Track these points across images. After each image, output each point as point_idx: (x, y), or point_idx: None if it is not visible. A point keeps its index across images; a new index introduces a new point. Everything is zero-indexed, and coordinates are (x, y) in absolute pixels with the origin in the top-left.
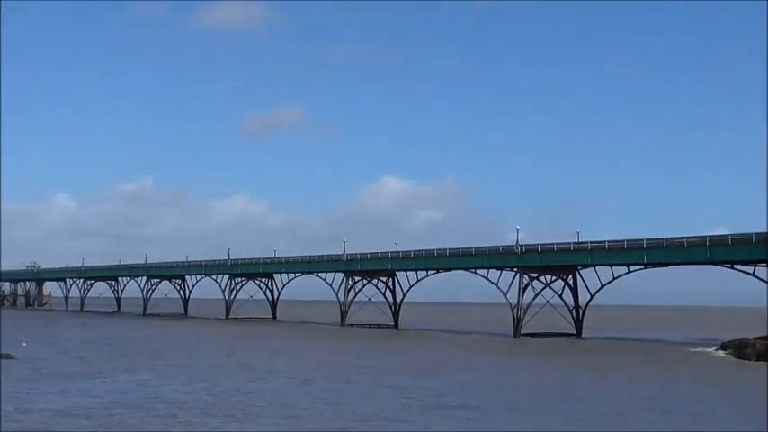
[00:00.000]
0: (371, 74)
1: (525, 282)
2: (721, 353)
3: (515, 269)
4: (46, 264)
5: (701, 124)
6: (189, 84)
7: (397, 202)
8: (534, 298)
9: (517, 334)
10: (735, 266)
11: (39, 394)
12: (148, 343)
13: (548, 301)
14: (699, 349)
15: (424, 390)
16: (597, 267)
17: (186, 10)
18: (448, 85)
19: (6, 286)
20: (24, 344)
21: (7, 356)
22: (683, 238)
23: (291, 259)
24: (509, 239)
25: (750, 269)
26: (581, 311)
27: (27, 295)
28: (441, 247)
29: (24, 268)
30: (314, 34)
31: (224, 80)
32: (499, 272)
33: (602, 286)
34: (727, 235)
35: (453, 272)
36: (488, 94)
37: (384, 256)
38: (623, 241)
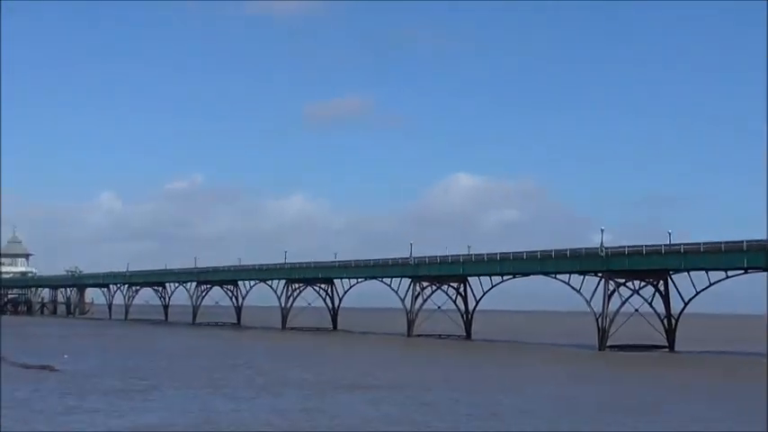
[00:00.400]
0: (442, 61)
1: (611, 288)
2: None
3: (600, 274)
4: (88, 268)
5: None
6: (243, 74)
7: (470, 200)
8: (621, 306)
9: (602, 346)
10: None
11: (81, 413)
12: (221, 355)
13: (636, 310)
14: None
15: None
16: (691, 272)
17: None
18: (525, 74)
19: (46, 293)
20: (65, 356)
21: (48, 368)
22: None
23: (353, 263)
24: (593, 242)
25: None
26: (673, 321)
27: (68, 303)
28: (517, 250)
29: (65, 273)
30: (380, 19)
31: (282, 70)
32: (582, 277)
33: (698, 293)
34: None
35: (531, 277)
36: (569, 85)
37: (455, 260)
38: (720, 243)
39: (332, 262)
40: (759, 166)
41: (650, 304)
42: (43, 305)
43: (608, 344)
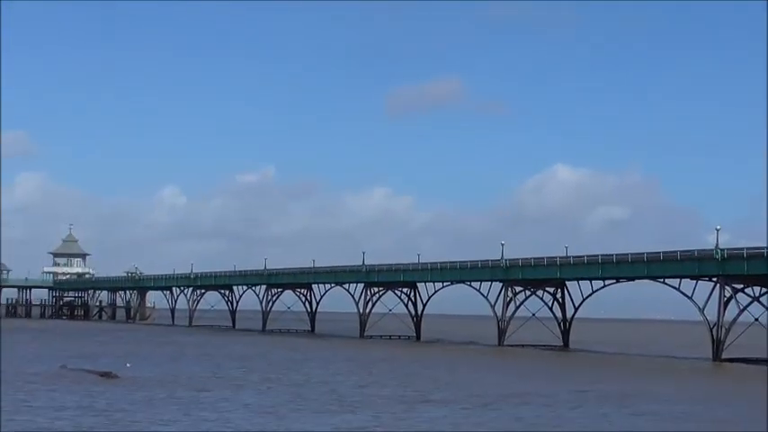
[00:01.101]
0: (540, 43)
1: (727, 294)
2: None
3: (714, 279)
4: (149, 270)
5: None
6: (319, 60)
7: (570, 196)
8: (738, 315)
9: (717, 357)
10: None
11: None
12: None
13: (756, 319)
14: None
15: None
16: None
17: None
18: (632, 56)
19: (104, 296)
20: (128, 365)
21: (110, 375)
22: None
23: (439, 265)
24: (708, 243)
25: None
26: None
27: (127, 307)
28: (623, 251)
29: (124, 275)
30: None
31: (362, 54)
32: (694, 282)
33: None
34: None
35: (636, 282)
36: (679, 68)
37: (551, 263)
38: None
39: (415, 264)
40: None
41: None
42: (101, 309)
43: (723, 356)
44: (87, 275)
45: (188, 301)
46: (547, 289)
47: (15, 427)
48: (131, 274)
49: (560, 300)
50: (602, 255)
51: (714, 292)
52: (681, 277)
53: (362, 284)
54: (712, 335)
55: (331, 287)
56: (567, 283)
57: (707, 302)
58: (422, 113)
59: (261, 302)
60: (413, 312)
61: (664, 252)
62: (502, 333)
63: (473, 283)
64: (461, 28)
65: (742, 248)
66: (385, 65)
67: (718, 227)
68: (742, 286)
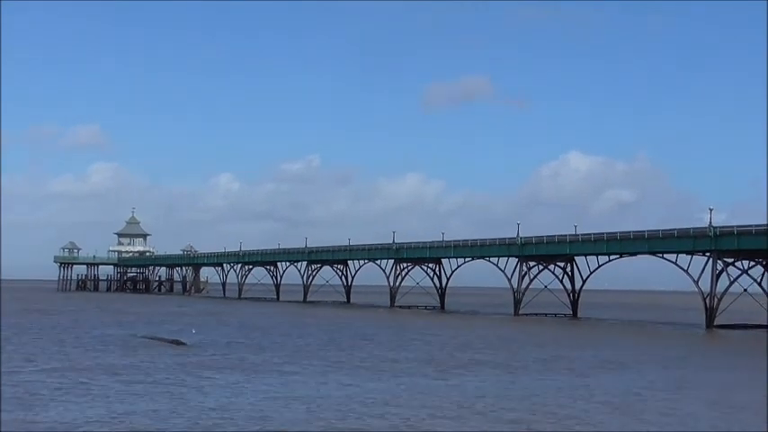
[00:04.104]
0: (561, 40)
1: (720, 268)
2: None
3: (708, 254)
4: (204, 248)
5: None
6: (362, 56)
7: (583, 181)
8: (729, 286)
9: (710, 325)
10: None
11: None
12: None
13: (745, 290)
14: None
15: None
16: None
17: None
18: (646, 50)
19: (162, 271)
20: (194, 331)
21: (177, 342)
22: None
23: (461, 243)
24: (705, 222)
25: None
26: None
27: (183, 281)
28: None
29: (181, 253)
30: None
31: (402, 52)
32: (690, 257)
33: None
34: None
35: (638, 257)
36: (692, 60)
37: (561, 240)
38: None
39: (440, 242)
40: None
41: (759, 284)
42: (160, 283)
43: (715, 323)
44: (148, 253)
45: (237, 275)
46: (558, 264)
47: (99, 388)
48: (187, 252)
49: (570, 273)
50: (606, 233)
51: (707, 266)
52: (678, 252)
53: (392, 260)
54: (705, 304)
55: (365, 263)
56: (575, 258)
57: (701, 275)
58: (452, 108)
59: (302, 277)
60: (438, 285)
61: (662, 230)
62: (517, 303)
63: (491, 259)
64: (490, 30)
65: (733, 226)
66: (420, 64)
67: (711, 207)
68: (733, 260)
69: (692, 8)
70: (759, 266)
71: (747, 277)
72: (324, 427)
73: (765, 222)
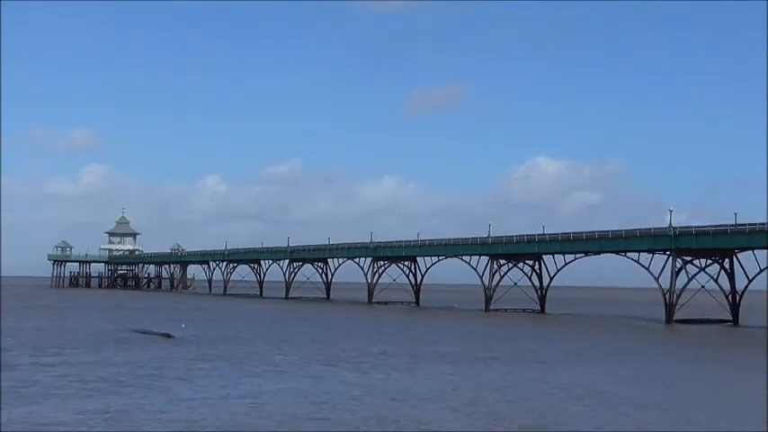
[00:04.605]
0: (534, 52)
1: (679, 266)
2: None
3: (668, 252)
4: (191, 247)
5: None
6: (347, 67)
7: (551, 184)
8: (688, 283)
9: (669, 320)
10: None
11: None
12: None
13: (702, 286)
14: None
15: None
16: (756, 251)
17: None
18: (612, 59)
19: (151, 269)
20: (183, 325)
21: (167, 336)
22: None
23: (435, 242)
24: (665, 223)
25: None
26: (738, 297)
27: (171, 278)
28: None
29: (169, 251)
30: (472, 16)
31: (383, 62)
32: (651, 255)
33: (762, 270)
34: None
35: (602, 255)
36: (652, 71)
37: (530, 239)
38: None
39: (415, 241)
40: None
41: (716, 281)
42: (149, 280)
43: (675, 318)
44: (137, 252)
45: (222, 273)
46: (527, 262)
47: (97, 381)
48: (174, 250)
49: (538, 271)
50: (573, 233)
51: (667, 264)
52: (640, 251)
53: (370, 259)
54: (665, 300)
55: (344, 261)
56: (543, 256)
57: (661, 272)
58: (429, 114)
59: (284, 274)
60: (413, 282)
61: (625, 230)
62: (488, 299)
63: (464, 257)
64: (466, 43)
65: (691, 227)
66: (401, 72)
67: (672, 209)
68: (691, 258)
69: (657, 12)
70: (716, 264)
71: (705, 275)
72: (304, 412)
73: (722, 224)
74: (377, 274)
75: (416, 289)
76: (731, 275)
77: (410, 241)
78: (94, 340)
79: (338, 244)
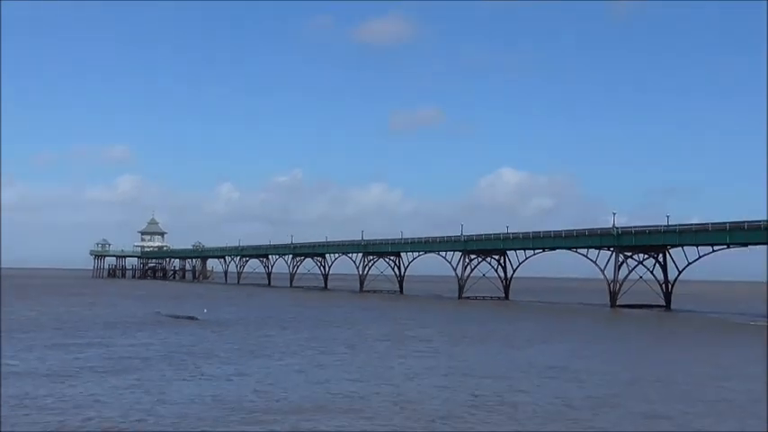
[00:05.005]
0: (497, 78)
1: (621, 260)
2: None
3: (612, 249)
4: (209, 244)
5: None
6: (340, 91)
7: (513, 191)
8: (628, 274)
9: (613, 305)
10: None
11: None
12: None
13: (640, 277)
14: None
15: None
16: (685, 247)
17: (347, 25)
18: (564, 87)
19: (176, 262)
20: (205, 310)
21: (192, 318)
22: (760, 221)
23: (416, 240)
24: (609, 223)
25: None
26: (670, 286)
27: (193, 270)
28: (548, 230)
29: (191, 247)
30: (454, 45)
31: (371, 85)
32: (597, 251)
33: (689, 264)
34: None
35: (557, 251)
36: (598, 94)
37: (497, 237)
38: (708, 224)
39: (400, 239)
40: (748, 161)
41: (652, 272)
42: (174, 272)
43: (618, 303)
44: (165, 248)
45: (236, 266)
46: (493, 256)
47: (143, 351)
48: (196, 246)
49: (503, 264)
50: (532, 232)
51: (611, 258)
52: (588, 248)
53: (361, 254)
54: (609, 288)
55: (339, 256)
56: (507, 252)
57: (606, 265)
58: (411, 131)
59: (289, 267)
60: (397, 274)
61: (576, 230)
62: (461, 289)
63: (441, 253)
64: (442, 69)
65: (631, 227)
66: (385, 96)
67: (615, 211)
68: (631, 254)
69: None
70: (651, 259)
71: (642, 267)
72: (311, 389)
73: (656, 224)
74: (367, 267)
75: (400, 280)
76: (664, 268)
77: (395, 239)
78: (134, 322)
79: (334, 242)
